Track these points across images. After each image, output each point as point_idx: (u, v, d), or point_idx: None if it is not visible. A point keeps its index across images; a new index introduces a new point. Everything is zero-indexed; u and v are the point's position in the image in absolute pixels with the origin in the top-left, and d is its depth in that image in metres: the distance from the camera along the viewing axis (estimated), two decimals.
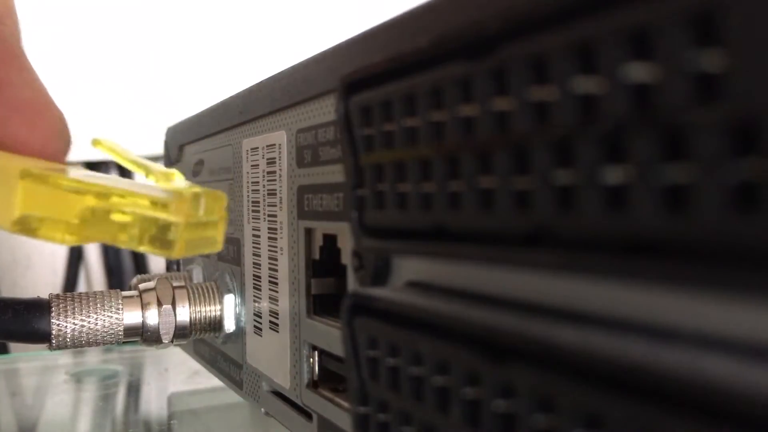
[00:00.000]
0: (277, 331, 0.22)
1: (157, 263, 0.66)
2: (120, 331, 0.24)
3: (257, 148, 0.23)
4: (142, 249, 0.16)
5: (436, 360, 0.12)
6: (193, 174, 0.31)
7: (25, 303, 0.23)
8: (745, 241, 0.07)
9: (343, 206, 0.18)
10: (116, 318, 0.24)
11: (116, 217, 0.16)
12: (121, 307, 0.24)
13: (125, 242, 0.16)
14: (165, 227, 0.16)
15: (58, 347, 0.23)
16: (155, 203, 0.16)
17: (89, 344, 0.24)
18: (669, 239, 0.08)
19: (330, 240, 0.19)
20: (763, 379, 0.07)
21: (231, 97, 0.26)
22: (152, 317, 0.25)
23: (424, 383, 0.12)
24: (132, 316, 0.24)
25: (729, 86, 0.07)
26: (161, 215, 0.16)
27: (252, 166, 0.24)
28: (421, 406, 0.12)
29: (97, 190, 0.16)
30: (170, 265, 0.35)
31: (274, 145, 0.22)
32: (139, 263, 0.67)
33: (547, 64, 0.10)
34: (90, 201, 0.16)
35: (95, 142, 0.21)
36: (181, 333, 0.25)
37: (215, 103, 0.28)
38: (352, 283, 0.17)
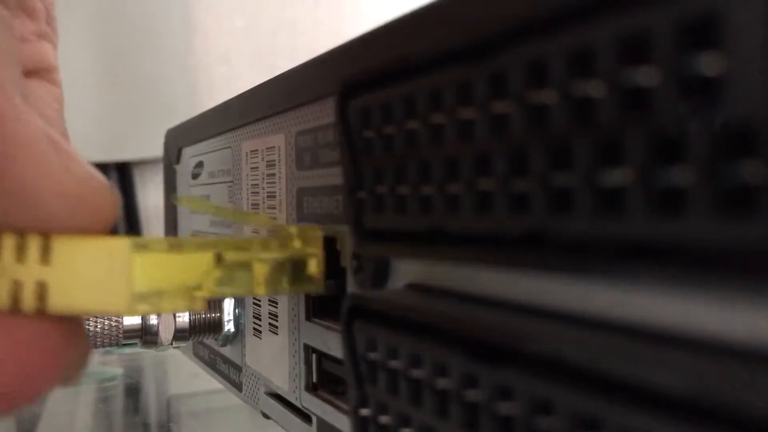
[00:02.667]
0: (277, 334, 0.22)
1: None
2: (119, 333, 0.24)
3: (257, 150, 0.24)
4: (284, 292, 0.16)
5: (434, 363, 0.12)
6: (193, 176, 0.31)
7: None
8: (742, 244, 0.07)
9: (342, 209, 0.18)
10: (115, 320, 0.24)
11: (256, 267, 0.15)
12: None
13: (264, 292, 0.16)
14: (299, 265, 0.16)
15: None
16: (284, 242, 0.16)
17: None
18: (665, 241, 0.08)
19: (329, 242, 0.19)
20: (761, 382, 0.07)
21: (231, 100, 0.26)
22: (152, 319, 0.25)
23: (423, 386, 0.12)
24: (131, 319, 0.24)
25: (725, 90, 0.07)
26: (306, 250, 0.16)
27: (252, 168, 0.24)
28: (420, 408, 0.12)
29: (220, 244, 0.15)
30: None
31: (274, 147, 0.22)
32: None
33: (545, 67, 0.10)
34: (230, 256, 0.15)
35: (178, 200, 0.19)
36: (180, 335, 0.25)
37: (215, 106, 0.28)
38: (351, 286, 0.17)
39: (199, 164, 0.30)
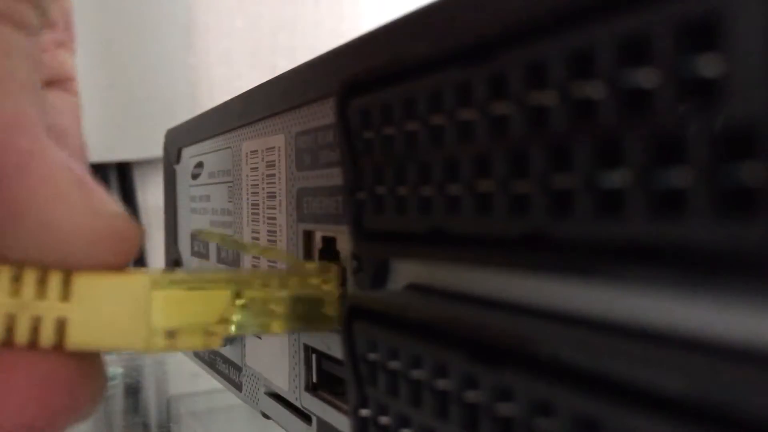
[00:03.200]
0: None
1: (156, 264, 0.66)
2: None
3: (257, 150, 0.24)
4: (300, 330, 0.16)
5: (434, 364, 0.12)
6: (193, 177, 0.31)
7: None
8: (742, 246, 0.07)
9: (342, 209, 0.18)
10: None
11: (273, 305, 0.15)
12: None
13: (280, 329, 0.16)
14: (316, 303, 0.16)
15: None
16: (301, 279, 0.16)
17: None
18: (665, 243, 0.08)
19: (329, 243, 0.19)
20: (761, 382, 0.07)
21: (230, 100, 0.26)
22: None
23: (423, 387, 0.12)
24: None
25: (725, 91, 0.07)
26: (323, 288, 0.16)
27: (251, 168, 0.24)
28: (420, 409, 0.12)
29: (239, 281, 0.15)
30: (169, 267, 0.35)
31: (274, 148, 0.22)
32: (139, 263, 0.67)
33: (545, 69, 0.10)
34: (247, 294, 0.15)
35: (199, 233, 0.19)
36: None
37: (215, 106, 0.28)
38: (351, 286, 0.17)
39: (199, 164, 0.30)
